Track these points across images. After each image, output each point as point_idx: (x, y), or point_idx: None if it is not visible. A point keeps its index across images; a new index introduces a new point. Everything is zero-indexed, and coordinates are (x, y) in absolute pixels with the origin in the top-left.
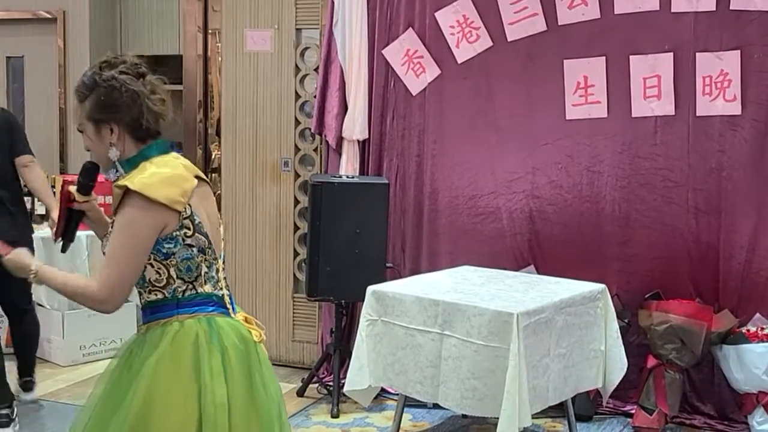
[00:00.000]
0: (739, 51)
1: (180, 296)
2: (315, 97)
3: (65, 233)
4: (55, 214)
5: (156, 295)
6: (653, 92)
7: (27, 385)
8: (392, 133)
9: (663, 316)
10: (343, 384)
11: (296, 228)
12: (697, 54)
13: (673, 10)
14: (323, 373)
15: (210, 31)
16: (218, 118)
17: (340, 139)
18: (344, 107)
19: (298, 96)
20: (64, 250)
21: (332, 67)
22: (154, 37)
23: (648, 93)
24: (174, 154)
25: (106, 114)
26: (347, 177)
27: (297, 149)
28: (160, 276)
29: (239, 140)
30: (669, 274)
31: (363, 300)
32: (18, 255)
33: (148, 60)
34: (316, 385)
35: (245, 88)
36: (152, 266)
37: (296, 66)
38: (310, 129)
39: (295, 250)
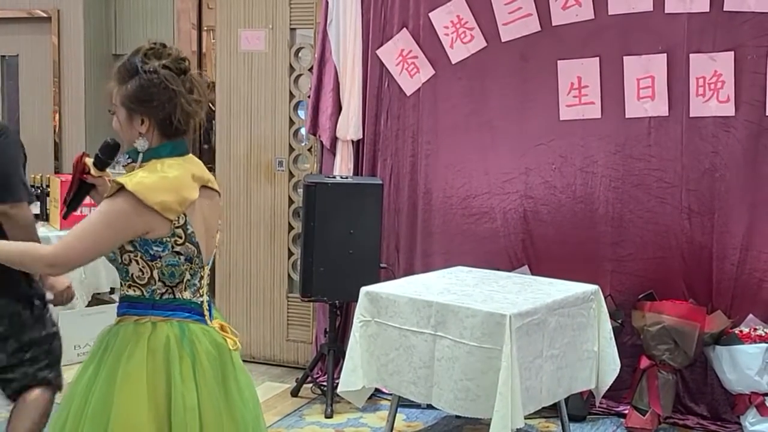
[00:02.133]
0: (732, 52)
1: (157, 298)
2: (309, 97)
3: (72, 201)
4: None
5: (135, 291)
6: (647, 93)
7: None
8: (386, 134)
9: (656, 316)
10: (337, 384)
11: (290, 228)
12: (690, 55)
13: (666, 11)
14: (317, 374)
15: (205, 29)
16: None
17: (334, 139)
18: (338, 107)
19: (292, 96)
20: (65, 216)
21: (326, 67)
22: (149, 36)
23: (642, 94)
24: (189, 156)
25: (141, 106)
26: (341, 177)
27: (291, 149)
28: (143, 274)
29: (233, 140)
30: (662, 275)
31: (357, 300)
32: None
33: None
34: (310, 385)
35: (239, 88)
36: (137, 263)
37: (290, 66)
38: (304, 129)
39: (289, 250)
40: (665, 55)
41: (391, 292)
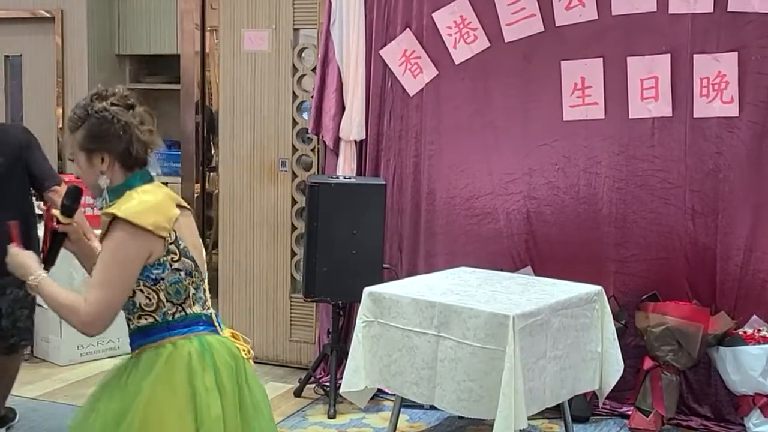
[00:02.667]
0: (736, 53)
1: (170, 319)
2: (312, 97)
3: (49, 256)
4: None
5: (146, 319)
6: (650, 93)
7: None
8: (389, 134)
9: (660, 317)
10: (340, 385)
11: (293, 228)
12: (694, 55)
13: (670, 12)
14: (320, 374)
15: (208, 29)
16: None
17: (337, 140)
18: (341, 108)
19: (295, 96)
20: (47, 270)
21: (329, 68)
22: (152, 36)
23: (645, 94)
24: (156, 183)
25: (98, 144)
26: (344, 177)
27: (294, 149)
28: (150, 301)
29: (236, 140)
30: (666, 276)
31: (360, 301)
32: (26, 256)
33: (146, 59)
34: (313, 385)
35: (243, 88)
36: (142, 291)
37: (294, 66)
38: (307, 129)
39: (292, 250)
40: (669, 55)
41: (394, 292)
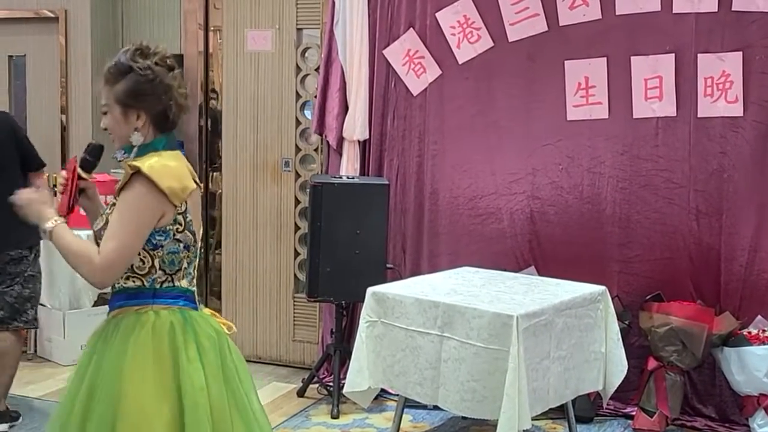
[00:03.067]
0: (740, 52)
1: (158, 286)
2: (316, 97)
3: (68, 207)
4: None
5: (134, 281)
6: (654, 93)
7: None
8: (393, 134)
9: (664, 318)
10: (343, 385)
11: (297, 228)
12: (698, 55)
13: (674, 11)
14: (323, 374)
15: (211, 29)
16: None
17: (340, 140)
18: (345, 107)
19: (298, 96)
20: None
21: (333, 67)
22: (156, 36)
23: (649, 94)
24: (178, 152)
25: (138, 101)
26: (348, 177)
27: (298, 149)
28: (144, 264)
29: (240, 140)
30: (670, 276)
31: (363, 301)
32: (42, 202)
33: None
34: (317, 385)
35: (246, 88)
36: (138, 254)
37: (297, 66)
38: (310, 129)
39: (295, 250)
40: (673, 55)
41: (398, 292)
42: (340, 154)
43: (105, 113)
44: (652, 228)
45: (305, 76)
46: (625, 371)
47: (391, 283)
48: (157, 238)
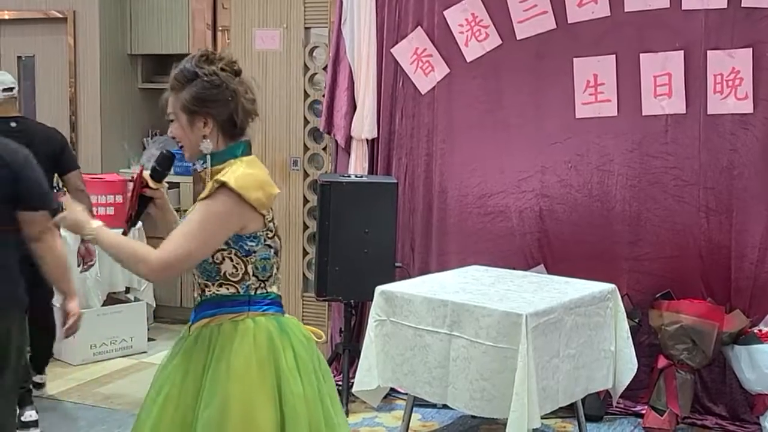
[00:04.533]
0: (750, 49)
1: (253, 293)
2: (324, 96)
3: (134, 217)
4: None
5: (228, 289)
6: (664, 90)
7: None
8: (401, 132)
9: (674, 316)
10: (353, 384)
11: (305, 227)
12: (708, 52)
13: (683, 8)
14: (333, 373)
15: (219, 29)
16: None
17: (349, 138)
18: (353, 106)
19: (307, 95)
20: (125, 233)
21: (341, 66)
22: (164, 36)
23: (659, 91)
24: (254, 156)
25: (204, 107)
26: (356, 176)
27: (306, 148)
28: (237, 271)
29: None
30: (680, 274)
31: (372, 300)
32: (77, 212)
33: (158, 59)
34: None
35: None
36: (231, 260)
37: (305, 65)
38: (318, 128)
39: (304, 249)
40: (682, 52)
41: (406, 291)
42: (349, 153)
43: (172, 121)
44: (662, 226)
45: (313, 75)
46: (635, 370)
47: (399, 282)
48: (249, 244)
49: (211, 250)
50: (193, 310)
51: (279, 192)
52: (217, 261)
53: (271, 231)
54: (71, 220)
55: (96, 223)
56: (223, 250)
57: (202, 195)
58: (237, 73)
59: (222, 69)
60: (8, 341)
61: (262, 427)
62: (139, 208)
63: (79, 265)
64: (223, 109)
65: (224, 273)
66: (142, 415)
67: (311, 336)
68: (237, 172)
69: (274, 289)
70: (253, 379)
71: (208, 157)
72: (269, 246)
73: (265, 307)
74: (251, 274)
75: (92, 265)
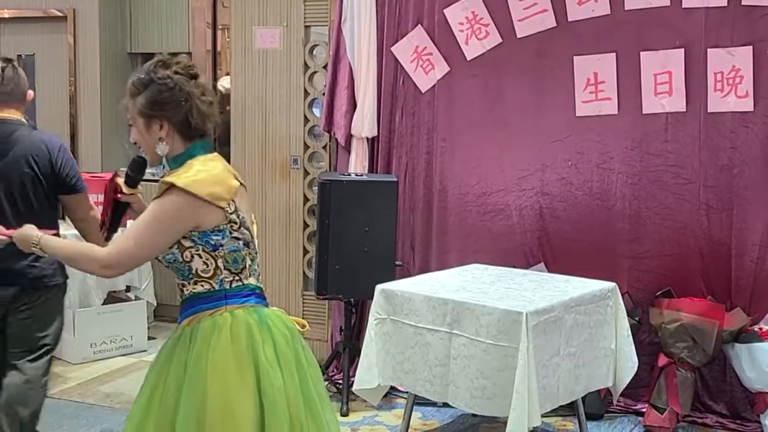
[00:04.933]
0: (751, 47)
1: (228, 287)
2: (324, 94)
3: (111, 224)
4: None
5: (203, 286)
6: (664, 88)
7: None
8: (401, 131)
9: (674, 314)
10: (353, 382)
11: (305, 226)
12: (708, 50)
13: (684, 6)
14: (333, 371)
15: (219, 27)
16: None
17: (349, 137)
18: (353, 104)
19: (307, 93)
20: (107, 239)
21: (341, 65)
22: (164, 35)
23: (659, 89)
24: (215, 154)
25: (158, 110)
26: (356, 175)
27: (306, 147)
28: (208, 267)
29: (248, 138)
30: (680, 272)
31: (372, 298)
32: (22, 229)
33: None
34: (326, 383)
35: (254, 86)
36: (200, 257)
37: (305, 63)
38: (319, 126)
39: (304, 247)
40: (683, 50)
41: (407, 289)
42: (349, 152)
43: (131, 125)
44: (662, 224)
45: (313, 73)
46: (636, 368)
47: (400, 281)
48: (215, 238)
49: (162, 246)
50: (179, 311)
51: (240, 184)
52: (187, 259)
53: (236, 223)
54: (21, 235)
55: (39, 234)
56: (190, 247)
57: (154, 196)
58: (193, 77)
59: (176, 72)
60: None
61: (241, 420)
62: (116, 214)
63: None
64: (177, 111)
65: (196, 270)
66: (131, 414)
67: (295, 327)
68: (188, 172)
69: (252, 281)
70: (231, 373)
71: (164, 160)
72: (236, 238)
73: (243, 300)
74: (222, 268)
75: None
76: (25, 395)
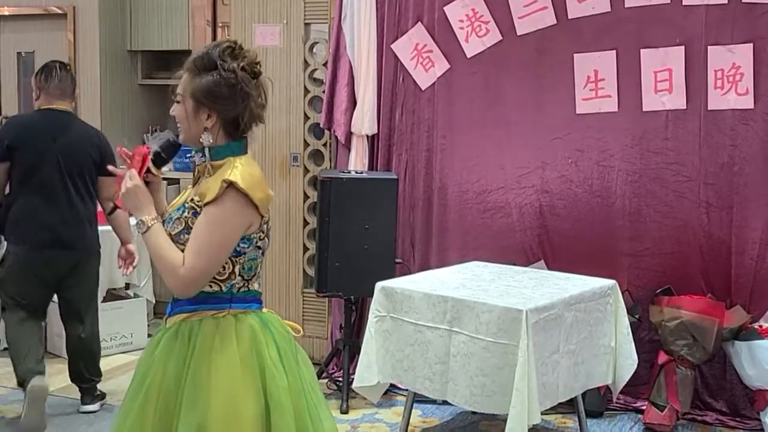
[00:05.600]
0: (751, 44)
1: (235, 291)
2: (324, 92)
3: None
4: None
5: (212, 286)
6: (664, 86)
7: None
8: (401, 128)
9: (674, 311)
10: (353, 380)
11: (305, 223)
12: (708, 47)
13: (684, 3)
14: (333, 369)
15: (219, 25)
16: None
17: (349, 134)
18: (353, 102)
19: (307, 91)
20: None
21: (341, 62)
22: (164, 32)
23: (659, 87)
24: (251, 155)
25: (213, 102)
26: (356, 172)
27: (306, 144)
28: (224, 270)
29: (248, 135)
30: (680, 270)
31: (372, 296)
32: (146, 193)
33: (158, 55)
34: (326, 380)
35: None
36: None
37: (305, 61)
38: (319, 124)
39: (304, 245)
40: (683, 47)
41: (407, 287)
42: (349, 149)
43: (178, 102)
44: (663, 221)
45: (313, 71)
46: (635, 365)
47: (399, 278)
48: (241, 245)
49: (227, 255)
50: (171, 303)
51: (272, 195)
52: None
53: (263, 233)
54: (138, 199)
55: (156, 219)
56: None
57: (210, 197)
58: (256, 75)
59: (242, 68)
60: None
61: (246, 422)
62: None
63: (120, 267)
64: (231, 109)
65: None
66: (124, 406)
67: (290, 330)
68: (237, 171)
69: (256, 286)
70: (236, 376)
71: (207, 150)
72: (259, 248)
73: (245, 305)
74: (237, 273)
75: (135, 266)
76: (87, 345)
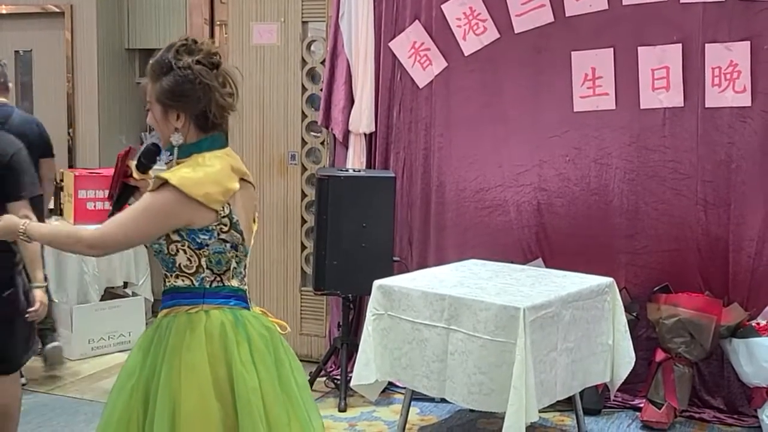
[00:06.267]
0: (748, 42)
1: (207, 286)
2: (321, 90)
3: (116, 204)
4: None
5: (183, 281)
6: (662, 84)
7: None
8: (399, 126)
9: (672, 309)
10: (351, 378)
11: (303, 221)
12: (706, 45)
13: (681, 1)
14: (331, 367)
15: (217, 23)
16: None
17: (346, 133)
18: (351, 100)
19: (304, 89)
20: (111, 215)
21: (339, 60)
22: (161, 31)
23: (656, 84)
24: (227, 150)
25: (176, 101)
26: (354, 170)
27: (304, 142)
28: (191, 263)
29: (246, 134)
30: (678, 267)
31: (370, 294)
32: (3, 221)
33: (155, 53)
34: (324, 378)
35: (252, 82)
36: (185, 252)
37: (303, 59)
38: (316, 122)
39: (302, 243)
40: (680, 45)
41: (404, 285)
42: (347, 147)
43: (149, 110)
44: (660, 219)
45: (311, 69)
46: (633, 363)
47: (397, 276)
48: (201, 237)
49: (148, 237)
50: (161, 299)
51: (241, 187)
52: (173, 252)
53: (226, 225)
54: (3, 227)
55: (24, 221)
56: (177, 241)
57: (150, 188)
58: (215, 66)
59: (198, 62)
60: None
61: (212, 420)
62: (123, 197)
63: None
64: (196, 104)
65: (179, 264)
66: (111, 400)
67: (274, 328)
68: (186, 168)
69: (234, 282)
70: (204, 374)
71: (175, 149)
72: (224, 240)
73: (221, 300)
74: (205, 267)
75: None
76: None
